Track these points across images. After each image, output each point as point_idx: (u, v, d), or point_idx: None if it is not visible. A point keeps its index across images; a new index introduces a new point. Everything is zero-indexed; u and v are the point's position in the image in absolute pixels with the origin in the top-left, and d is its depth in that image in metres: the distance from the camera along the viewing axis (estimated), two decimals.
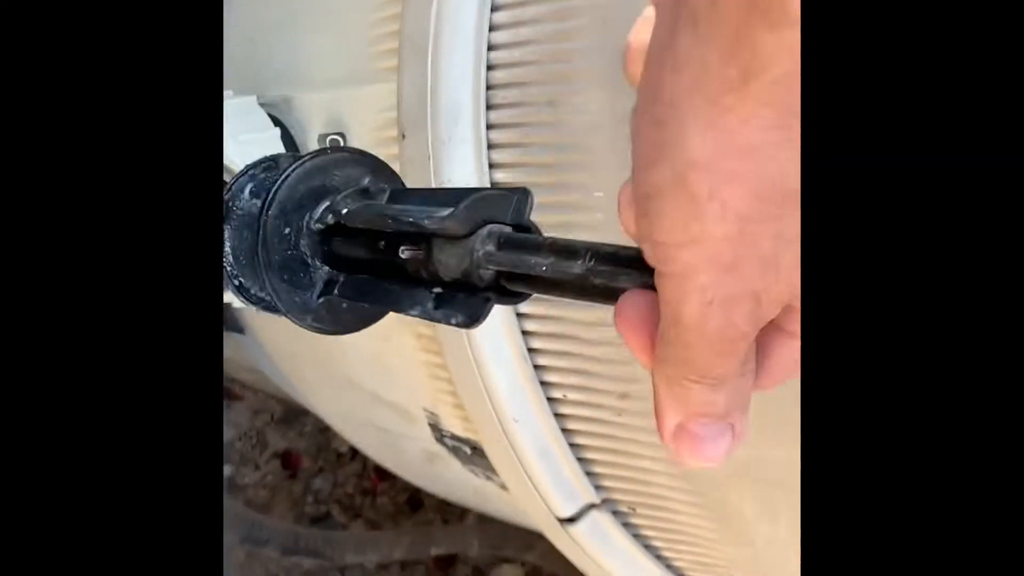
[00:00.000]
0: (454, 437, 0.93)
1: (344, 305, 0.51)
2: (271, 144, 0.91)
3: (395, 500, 1.70)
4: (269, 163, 0.53)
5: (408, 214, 0.45)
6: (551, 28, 0.72)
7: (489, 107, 0.75)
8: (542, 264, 0.41)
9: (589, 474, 0.80)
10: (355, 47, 0.88)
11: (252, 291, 0.52)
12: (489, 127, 0.75)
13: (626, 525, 0.82)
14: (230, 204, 0.51)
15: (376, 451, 1.21)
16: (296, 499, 1.68)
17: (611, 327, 0.71)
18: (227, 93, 0.95)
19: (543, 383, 0.78)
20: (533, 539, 1.50)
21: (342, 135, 0.88)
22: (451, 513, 1.69)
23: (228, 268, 0.52)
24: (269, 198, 0.49)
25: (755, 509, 0.71)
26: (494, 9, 0.75)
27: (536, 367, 0.78)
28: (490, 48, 0.75)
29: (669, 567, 0.84)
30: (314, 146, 0.91)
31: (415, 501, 1.70)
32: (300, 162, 0.50)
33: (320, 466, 1.71)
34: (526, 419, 0.78)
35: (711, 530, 0.76)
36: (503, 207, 0.44)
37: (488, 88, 0.75)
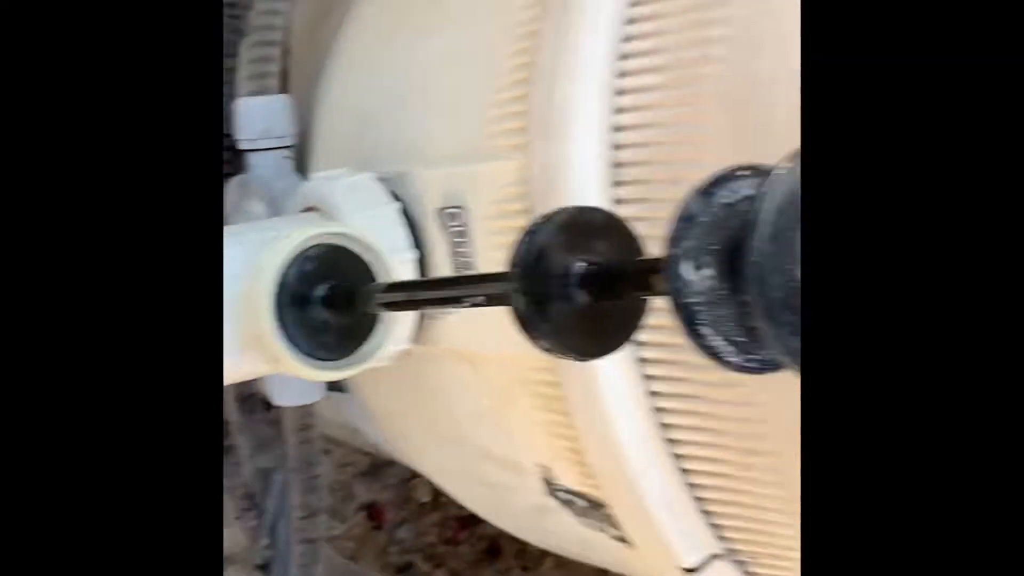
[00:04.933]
0: (568, 491, 0.98)
1: None
2: (394, 218, 0.97)
3: (475, 548, 1.75)
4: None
5: None
6: (676, 112, 0.77)
7: (615, 184, 0.80)
8: None
9: (712, 525, 0.85)
10: (473, 125, 0.93)
11: (723, 348, 0.45)
12: (617, 202, 0.80)
13: (748, 574, 0.87)
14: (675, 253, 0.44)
15: (482, 505, 1.25)
16: (381, 550, 1.73)
17: (739, 387, 0.76)
18: (343, 170, 1.01)
19: (669, 440, 0.83)
20: None
21: (461, 208, 0.94)
22: (529, 559, 1.73)
23: (687, 327, 0.45)
24: (756, 222, 0.41)
25: None
26: (619, 93, 0.80)
27: (663, 425, 0.83)
28: (616, 129, 0.80)
29: None
30: (431, 220, 0.96)
31: (495, 549, 1.75)
32: (786, 170, 0.42)
33: (404, 517, 1.76)
34: (652, 474, 0.83)
35: None
36: None
37: (615, 166, 0.80)
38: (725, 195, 0.45)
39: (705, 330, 0.44)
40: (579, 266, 0.56)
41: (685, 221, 0.45)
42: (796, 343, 0.41)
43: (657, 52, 0.79)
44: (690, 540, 0.86)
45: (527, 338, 0.57)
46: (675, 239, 0.45)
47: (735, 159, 0.74)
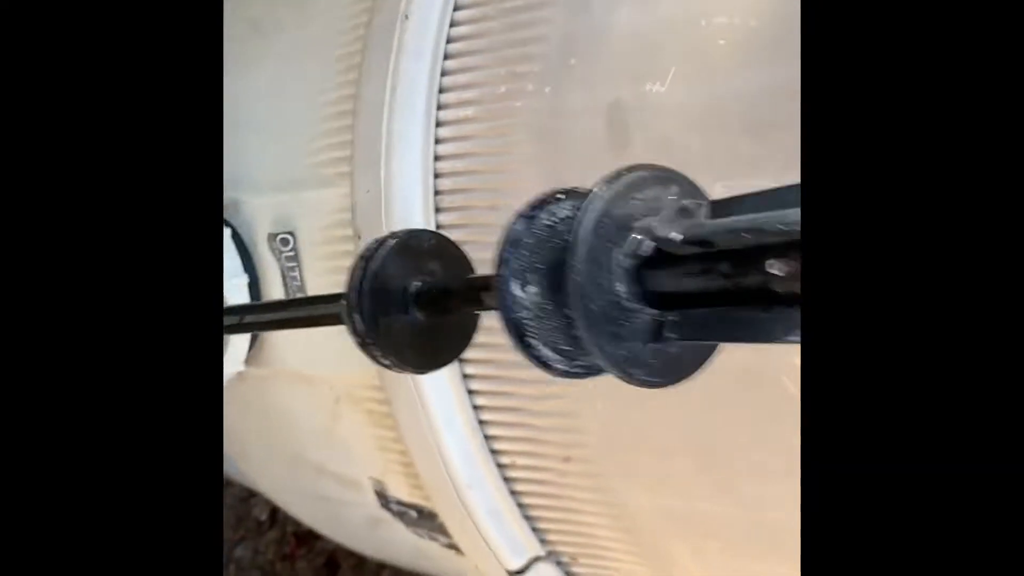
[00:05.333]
0: (400, 503, 1.02)
1: (673, 350, 0.46)
2: (226, 244, 1.00)
3: (313, 564, 1.77)
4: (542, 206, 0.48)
5: (775, 221, 0.39)
6: (491, 142, 0.82)
7: (437, 210, 0.85)
8: None
9: (535, 529, 0.90)
10: (300, 154, 0.97)
11: (550, 357, 0.48)
12: (438, 227, 0.85)
13: (569, 574, 0.92)
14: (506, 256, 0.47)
15: (318, 520, 1.29)
16: None
17: (557, 398, 0.81)
18: None
19: (493, 451, 0.88)
20: None
21: (292, 234, 0.97)
22: (367, 573, 1.76)
23: (517, 339, 0.47)
24: (574, 242, 0.44)
25: (688, 556, 0.81)
26: (439, 124, 0.85)
27: (487, 437, 0.87)
28: (437, 158, 0.85)
29: None
30: (263, 246, 1.00)
31: (332, 564, 1.78)
32: (599, 193, 0.45)
33: (242, 535, 1.78)
34: (478, 485, 0.88)
35: (648, 574, 0.87)
36: None
37: (436, 194, 0.85)
38: (546, 217, 0.48)
39: (533, 342, 0.47)
40: (415, 285, 0.59)
41: (511, 243, 0.47)
42: (616, 349, 0.44)
43: (472, 86, 0.84)
44: (514, 545, 0.91)
45: (367, 356, 0.58)
46: (502, 260, 0.47)
47: (546, 186, 0.79)
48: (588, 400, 0.79)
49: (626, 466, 0.80)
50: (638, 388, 0.74)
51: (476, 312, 0.61)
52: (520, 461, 0.87)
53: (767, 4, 0.68)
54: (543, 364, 0.48)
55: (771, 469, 0.72)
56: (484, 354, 0.85)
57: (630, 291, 0.44)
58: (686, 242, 0.43)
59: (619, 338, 0.44)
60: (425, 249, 0.61)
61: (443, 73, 0.85)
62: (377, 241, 0.59)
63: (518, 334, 0.47)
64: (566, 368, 0.48)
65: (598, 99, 0.76)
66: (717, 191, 0.69)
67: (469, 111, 0.84)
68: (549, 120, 0.79)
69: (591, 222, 0.44)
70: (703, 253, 0.42)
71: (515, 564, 0.91)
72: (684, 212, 0.45)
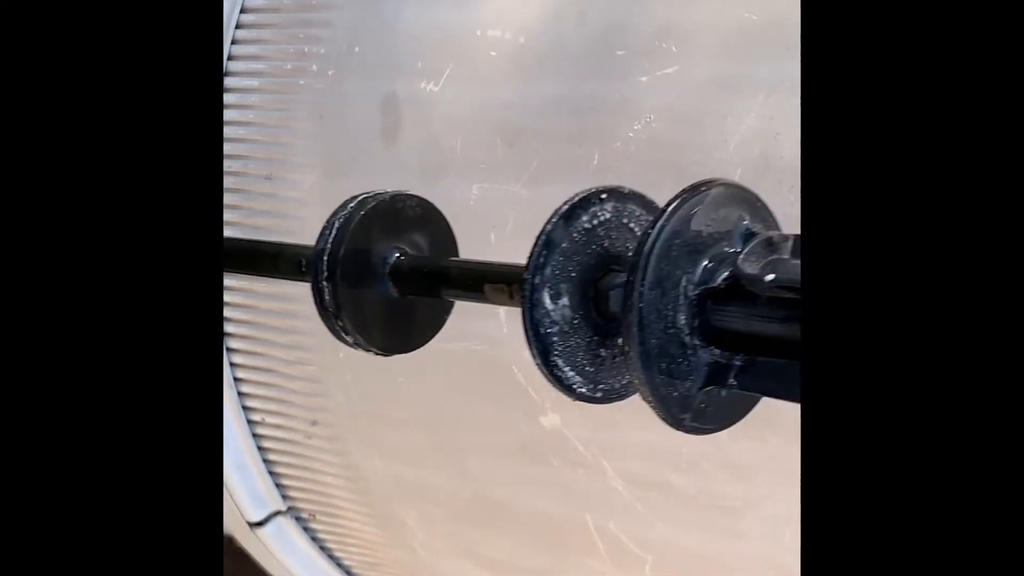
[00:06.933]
0: None
1: (724, 394, 0.41)
2: None
3: None
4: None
5: None
6: (272, 115, 0.86)
7: None
8: None
9: (278, 485, 0.95)
10: None
11: (573, 379, 0.43)
12: None
13: (307, 529, 0.97)
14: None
15: None
16: None
17: (307, 364, 0.85)
18: None
19: (245, 407, 0.92)
20: None
21: None
22: None
23: (542, 359, 0.43)
24: (642, 264, 0.38)
25: (416, 521, 0.87)
26: (224, 91, 0.88)
27: (240, 393, 0.91)
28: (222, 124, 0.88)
29: (340, 566, 0.99)
30: None
31: None
32: (677, 209, 0.39)
33: None
34: (228, 438, 0.92)
35: (379, 535, 0.92)
36: None
37: None
38: (587, 220, 0.43)
39: (559, 362, 0.43)
40: (395, 257, 0.52)
41: (546, 245, 0.42)
42: (669, 391, 0.39)
43: (260, 58, 0.87)
44: (256, 498, 0.95)
45: (329, 329, 0.51)
46: (537, 265, 0.42)
47: (323, 166, 0.84)
48: (337, 370, 0.84)
49: (366, 434, 0.85)
50: (384, 361, 0.79)
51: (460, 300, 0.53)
52: (269, 420, 0.91)
53: (536, 24, 0.74)
54: (566, 387, 0.43)
55: (497, 448, 0.79)
56: (243, 314, 0.89)
57: (691, 325, 0.39)
58: (776, 285, 0.38)
59: (672, 377, 0.39)
60: (409, 216, 0.52)
61: (233, 42, 0.88)
62: (355, 199, 0.51)
63: (544, 352, 0.43)
64: (588, 392, 0.44)
65: (376, 89, 0.80)
66: (474, 193, 0.74)
67: (254, 82, 0.87)
68: (329, 102, 0.83)
69: (665, 242, 0.38)
70: (792, 299, 0.37)
71: (255, 516, 0.96)
72: (769, 245, 0.39)
